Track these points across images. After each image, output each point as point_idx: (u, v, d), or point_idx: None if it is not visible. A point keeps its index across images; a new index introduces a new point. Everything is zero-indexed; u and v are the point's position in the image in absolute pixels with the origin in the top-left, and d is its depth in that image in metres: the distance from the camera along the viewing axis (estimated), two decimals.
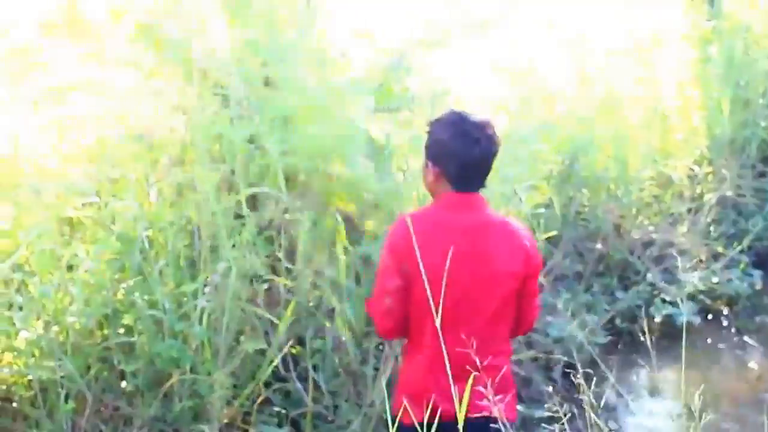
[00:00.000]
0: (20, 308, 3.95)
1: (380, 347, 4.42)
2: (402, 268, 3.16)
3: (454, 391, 2.70)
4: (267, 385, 4.28)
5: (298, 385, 4.33)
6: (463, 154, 3.13)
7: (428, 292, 2.77)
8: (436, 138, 3.21)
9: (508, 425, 3.03)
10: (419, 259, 2.77)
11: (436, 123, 3.26)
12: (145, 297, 4.03)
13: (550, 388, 5.23)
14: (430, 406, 2.84)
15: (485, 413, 2.85)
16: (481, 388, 2.73)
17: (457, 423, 2.63)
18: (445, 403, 3.04)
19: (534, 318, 3.45)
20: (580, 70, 6.97)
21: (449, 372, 2.89)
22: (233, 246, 4.09)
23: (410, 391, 3.24)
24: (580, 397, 5.18)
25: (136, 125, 4.28)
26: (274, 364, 4.15)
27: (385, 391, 4.23)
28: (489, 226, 3.21)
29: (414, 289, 3.15)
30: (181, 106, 4.19)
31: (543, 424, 4.97)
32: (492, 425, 2.97)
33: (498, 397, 2.98)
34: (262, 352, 4.27)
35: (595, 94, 6.95)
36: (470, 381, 2.58)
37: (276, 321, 4.16)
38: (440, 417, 2.83)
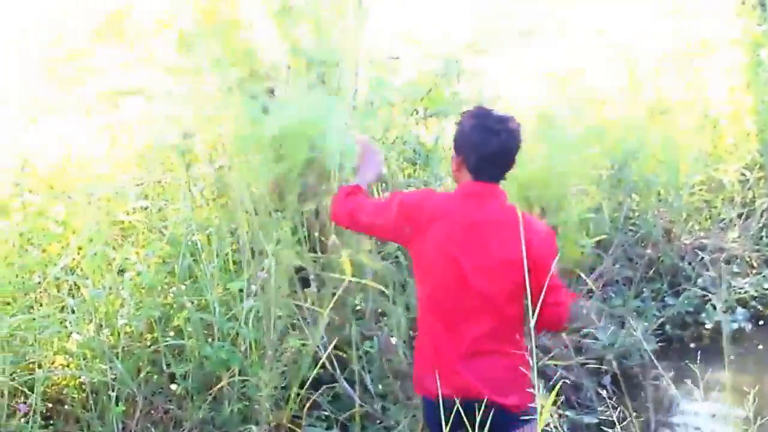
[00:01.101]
0: (72, 311, 4.00)
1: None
2: (401, 223, 3.37)
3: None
4: (315, 388, 4.28)
5: (347, 386, 4.33)
6: (482, 145, 3.26)
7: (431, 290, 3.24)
8: (461, 129, 3.35)
9: (505, 412, 3.22)
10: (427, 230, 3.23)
11: (463, 116, 3.41)
12: (195, 300, 4.05)
13: (602, 394, 5.18)
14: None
15: (486, 398, 3.17)
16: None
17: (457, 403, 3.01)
18: (444, 385, 3.21)
19: (559, 313, 3.34)
20: (629, 75, 6.92)
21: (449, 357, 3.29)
22: (277, 243, 4.10)
23: (419, 370, 3.44)
24: (631, 402, 5.18)
25: (185, 130, 4.30)
26: (321, 362, 4.16)
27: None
28: (495, 215, 3.28)
29: (420, 268, 3.39)
30: (229, 110, 4.21)
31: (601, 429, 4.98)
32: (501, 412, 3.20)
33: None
34: (310, 356, 4.30)
35: (644, 99, 6.90)
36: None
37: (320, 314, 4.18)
38: (444, 396, 3.14)
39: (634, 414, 5.14)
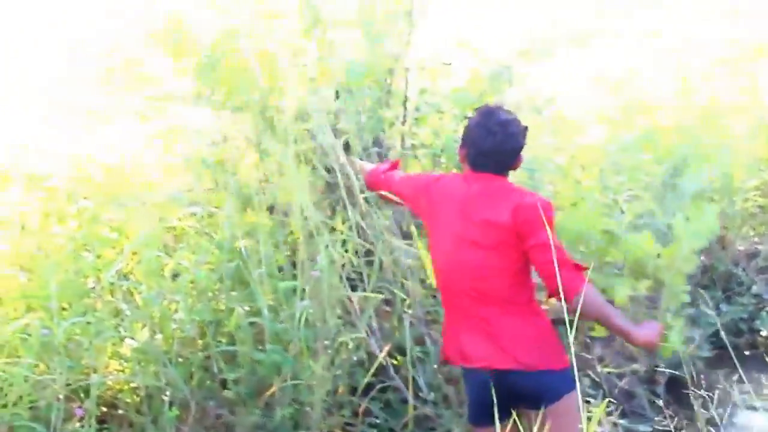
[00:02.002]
0: (126, 316, 4.03)
1: None
2: (418, 195, 3.77)
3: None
4: (366, 394, 4.28)
5: (402, 385, 4.32)
6: (478, 142, 3.55)
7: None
8: (468, 124, 3.65)
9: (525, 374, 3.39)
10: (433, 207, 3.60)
11: (474, 111, 3.70)
12: (247, 305, 4.07)
13: (658, 403, 5.14)
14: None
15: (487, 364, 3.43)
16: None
17: (478, 371, 3.41)
18: (453, 353, 3.60)
19: (551, 273, 3.28)
20: (682, 79, 6.86)
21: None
22: (326, 247, 4.12)
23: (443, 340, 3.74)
24: (685, 411, 5.12)
25: (234, 136, 4.34)
26: (374, 366, 4.17)
27: None
28: (485, 190, 3.52)
29: (430, 243, 3.73)
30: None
31: None
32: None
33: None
34: (360, 363, 4.31)
35: (697, 104, 6.82)
36: None
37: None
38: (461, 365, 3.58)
39: (687, 423, 5.10)
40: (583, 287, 3.28)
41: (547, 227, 3.25)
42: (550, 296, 3.50)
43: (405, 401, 4.32)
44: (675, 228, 3.79)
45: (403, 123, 4.74)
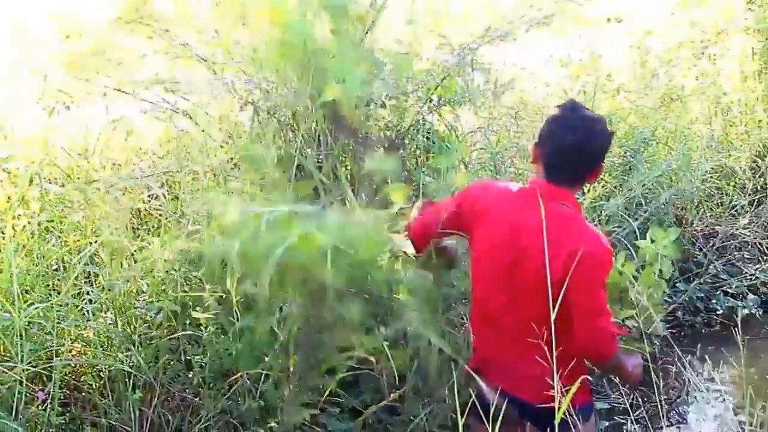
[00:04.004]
0: (90, 300, 4.02)
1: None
2: (460, 215, 3.31)
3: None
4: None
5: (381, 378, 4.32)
6: (557, 138, 3.16)
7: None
8: (546, 121, 3.25)
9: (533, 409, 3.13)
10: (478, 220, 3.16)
11: (556, 108, 3.29)
12: (214, 292, 4.06)
13: (615, 380, 5.21)
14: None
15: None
16: None
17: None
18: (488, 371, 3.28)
19: (594, 340, 3.17)
20: (642, 63, 6.93)
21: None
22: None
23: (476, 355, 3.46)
24: (643, 388, 5.20)
25: (207, 120, 4.31)
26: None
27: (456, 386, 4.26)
28: (542, 220, 3.03)
29: (473, 246, 3.33)
30: (251, 100, 4.21)
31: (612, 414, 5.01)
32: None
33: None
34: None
35: (657, 87, 6.90)
36: None
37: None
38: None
39: (644, 400, 5.19)
40: (615, 355, 3.19)
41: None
42: (577, 352, 3.18)
43: (371, 383, 4.35)
44: (642, 251, 3.63)
45: (367, 104, 4.74)
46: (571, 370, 3.07)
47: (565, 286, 2.90)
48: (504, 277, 3.18)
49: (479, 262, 3.29)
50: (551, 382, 3.02)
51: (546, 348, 2.97)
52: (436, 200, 3.57)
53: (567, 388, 2.97)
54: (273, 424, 3.95)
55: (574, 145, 3.12)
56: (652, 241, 3.61)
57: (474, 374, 3.24)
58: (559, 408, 3.03)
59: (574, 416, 3.01)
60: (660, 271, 3.55)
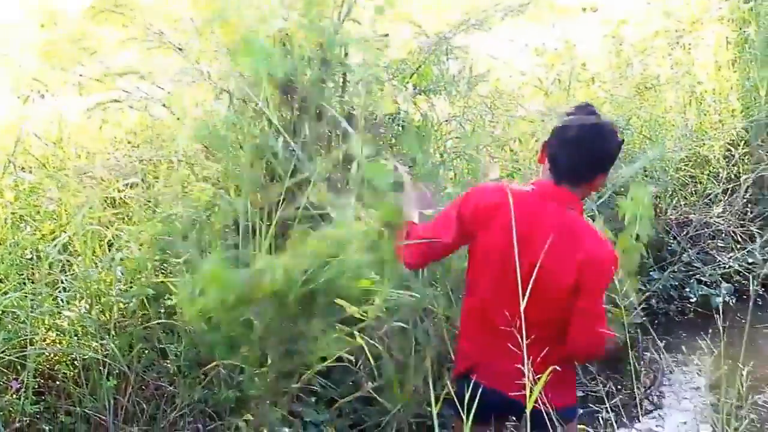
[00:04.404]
0: (64, 288, 4.01)
1: (427, 332, 4.42)
2: (463, 225, 3.20)
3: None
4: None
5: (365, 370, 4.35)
6: (563, 131, 3.12)
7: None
8: (558, 121, 3.21)
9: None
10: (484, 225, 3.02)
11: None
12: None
13: (590, 368, 5.24)
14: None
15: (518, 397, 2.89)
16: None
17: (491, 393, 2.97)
18: (480, 373, 3.20)
19: (590, 343, 3.17)
20: (617, 52, 6.96)
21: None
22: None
23: (458, 351, 3.41)
24: (617, 376, 5.24)
25: (181, 108, 4.29)
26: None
27: (430, 377, 4.28)
28: (553, 226, 3.07)
29: (476, 248, 3.23)
30: (226, 89, 4.20)
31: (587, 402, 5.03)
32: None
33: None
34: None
35: (632, 76, 6.93)
36: None
37: None
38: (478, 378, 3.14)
39: (619, 388, 5.22)
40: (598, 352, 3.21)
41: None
42: (569, 353, 3.20)
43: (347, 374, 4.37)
44: (622, 209, 3.57)
45: (342, 94, 4.73)
46: (563, 371, 3.06)
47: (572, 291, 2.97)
48: (514, 282, 2.97)
49: (485, 268, 3.19)
50: (557, 383, 2.98)
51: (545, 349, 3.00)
52: (419, 222, 3.38)
53: (560, 388, 3.09)
54: (248, 416, 3.95)
55: (581, 143, 3.08)
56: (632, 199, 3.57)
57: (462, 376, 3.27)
58: (560, 406, 3.09)
59: (563, 416, 3.01)
60: (637, 235, 3.53)
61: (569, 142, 3.09)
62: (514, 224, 2.91)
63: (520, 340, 2.84)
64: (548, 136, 3.20)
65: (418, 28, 4.69)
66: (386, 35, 4.67)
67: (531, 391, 3.02)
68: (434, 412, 2.29)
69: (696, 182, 7.30)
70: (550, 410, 2.93)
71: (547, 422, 2.90)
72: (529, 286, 2.87)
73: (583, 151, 3.09)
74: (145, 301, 4.04)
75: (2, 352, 3.71)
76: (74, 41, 4.26)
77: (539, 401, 2.89)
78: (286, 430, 4.07)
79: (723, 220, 6.99)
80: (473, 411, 2.78)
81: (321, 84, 4.34)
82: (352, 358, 4.09)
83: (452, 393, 2.85)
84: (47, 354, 4.01)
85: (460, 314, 3.43)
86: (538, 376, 2.90)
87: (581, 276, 3.02)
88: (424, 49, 4.71)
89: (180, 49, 4.05)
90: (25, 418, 3.74)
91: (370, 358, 4.10)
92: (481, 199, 3.20)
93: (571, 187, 3.14)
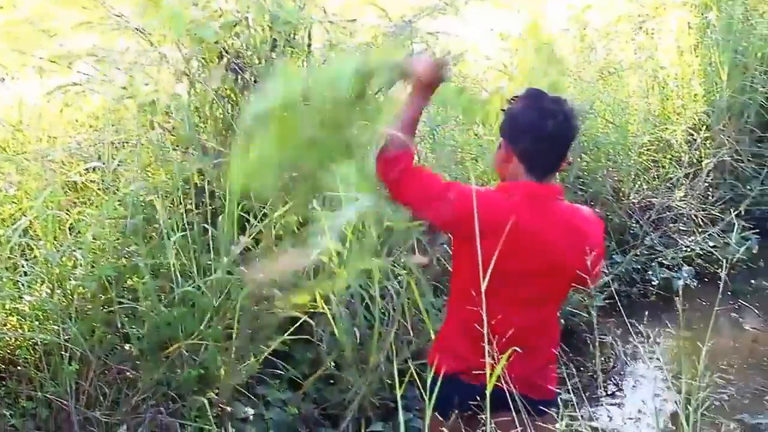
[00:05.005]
0: (25, 273, 3.99)
1: (385, 313, 4.44)
2: (456, 224, 3.04)
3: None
4: (273, 353, 4.32)
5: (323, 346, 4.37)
6: (536, 128, 2.97)
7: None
8: (511, 114, 3.05)
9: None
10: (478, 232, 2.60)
11: (512, 100, 3.09)
12: (149, 262, 4.05)
13: None
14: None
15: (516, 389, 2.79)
16: None
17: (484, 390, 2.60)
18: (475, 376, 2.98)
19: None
20: (581, 36, 6.99)
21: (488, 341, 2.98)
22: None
23: (444, 348, 3.24)
24: (579, 359, 5.28)
25: (142, 91, 4.26)
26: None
27: (393, 355, 4.31)
28: (560, 221, 3.02)
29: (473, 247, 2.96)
30: (187, 72, 4.19)
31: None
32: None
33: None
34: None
35: (596, 61, 6.97)
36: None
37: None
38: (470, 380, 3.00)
39: (579, 371, 5.26)
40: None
41: None
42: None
43: (309, 354, 4.38)
44: None
45: None
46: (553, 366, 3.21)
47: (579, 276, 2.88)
48: (532, 290, 3.02)
49: (496, 279, 2.67)
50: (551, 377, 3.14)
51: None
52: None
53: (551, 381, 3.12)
54: (211, 394, 3.97)
55: (555, 132, 2.97)
56: None
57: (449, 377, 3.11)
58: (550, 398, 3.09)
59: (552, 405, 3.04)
60: None
61: (545, 139, 2.97)
62: (522, 238, 2.91)
63: (533, 339, 2.97)
64: (509, 134, 3.04)
65: (382, 11, 4.68)
66: (354, 20, 4.68)
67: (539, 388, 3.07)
68: (398, 393, 2.29)
69: (658, 166, 7.36)
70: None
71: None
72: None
73: (557, 138, 3.00)
74: (107, 284, 4.02)
75: None
76: (34, 23, 4.22)
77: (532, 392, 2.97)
78: (249, 410, 4.09)
79: (685, 204, 7.05)
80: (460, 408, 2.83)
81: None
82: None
83: (418, 382, 2.76)
84: (8, 339, 3.97)
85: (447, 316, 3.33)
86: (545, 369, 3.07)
87: (593, 259, 2.87)
88: (389, 33, 4.71)
89: (140, 32, 4.04)
90: None
91: (333, 325, 4.15)
92: (488, 209, 2.88)
93: (550, 178, 3.07)
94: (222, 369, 4.00)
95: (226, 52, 4.30)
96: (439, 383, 2.63)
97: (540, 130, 2.96)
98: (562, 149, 3.03)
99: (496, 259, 2.61)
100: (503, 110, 3.10)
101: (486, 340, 2.81)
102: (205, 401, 3.92)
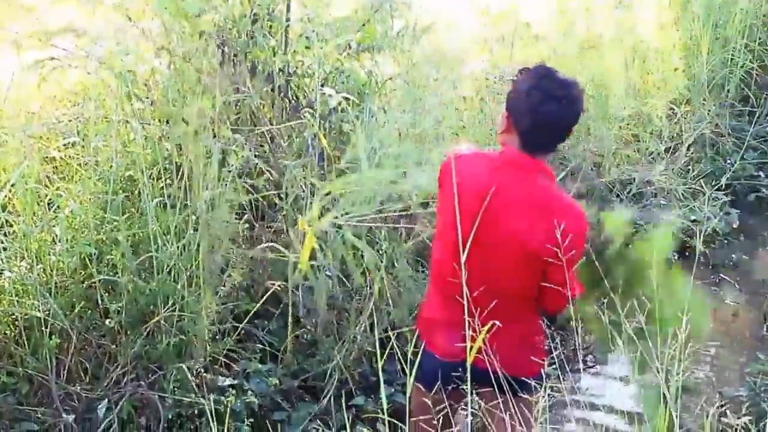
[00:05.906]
0: (4, 248, 3.97)
1: (364, 286, 4.45)
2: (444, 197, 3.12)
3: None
4: (250, 321, 4.33)
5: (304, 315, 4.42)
6: (538, 111, 2.96)
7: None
8: (517, 88, 3.04)
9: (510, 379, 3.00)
10: (455, 193, 2.79)
11: (521, 72, 3.09)
12: (129, 235, 4.05)
13: None
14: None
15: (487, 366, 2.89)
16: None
17: (462, 366, 2.73)
18: (448, 342, 3.08)
19: (561, 307, 3.17)
20: (561, 10, 6.98)
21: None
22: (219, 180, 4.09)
23: (425, 322, 3.32)
24: (562, 332, 5.29)
25: (120, 66, 4.24)
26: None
27: (368, 328, 4.32)
28: (528, 195, 3.02)
29: (442, 221, 3.16)
30: (166, 47, 4.17)
31: None
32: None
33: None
34: (245, 289, 4.35)
35: (576, 35, 6.96)
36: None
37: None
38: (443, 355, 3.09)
39: (564, 343, 5.29)
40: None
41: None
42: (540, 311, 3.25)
43: (287, 327, 4.39)
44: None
45: (285, 51, 4.72)
46: (532, 342, 3.19)
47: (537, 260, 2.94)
48: (480, 248, 2.97)
49: (451, 231, 2.92)
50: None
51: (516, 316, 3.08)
52: None
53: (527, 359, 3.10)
54: (189, 363, 3.98)
55: (556, 117, 2.97)
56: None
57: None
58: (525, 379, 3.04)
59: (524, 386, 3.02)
60: None
61: (544, 116, 2.96)
62: (480, 194, 2.97)
63: (481, 308, 2.78)
64: (512, 110, 3.06)
65: None
66: None
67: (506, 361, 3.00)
68: (379, 364, 2.30)
69: (639, 140, 7.36)
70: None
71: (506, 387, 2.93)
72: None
73: (560, 121, 3.00)
74: (87, 259, 4.01)
75: None
76: None
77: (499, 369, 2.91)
78: (228, 380, 4.10)
79: (665, 178, 7.05)
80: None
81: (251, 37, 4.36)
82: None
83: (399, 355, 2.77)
84: None
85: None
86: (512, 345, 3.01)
87: (552, 247, 2.89)
88: (368, 6, 4.70)
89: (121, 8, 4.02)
90: None
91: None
92: (460, 167, 3.02)
93: (541, 155, 3.07)
94: (200, 335, 4.02)
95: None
96: (420, 355, 2.68)
97: (541, 115, 2.96)
98: (561, 131, 3.05)
99: (459, 216, 2.76)
100: (512, 79, 3.12)
101: (452, 294, 2.91)
102: (185, 367, 3.93)
